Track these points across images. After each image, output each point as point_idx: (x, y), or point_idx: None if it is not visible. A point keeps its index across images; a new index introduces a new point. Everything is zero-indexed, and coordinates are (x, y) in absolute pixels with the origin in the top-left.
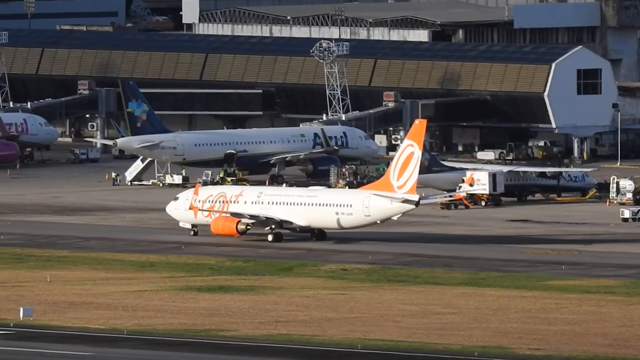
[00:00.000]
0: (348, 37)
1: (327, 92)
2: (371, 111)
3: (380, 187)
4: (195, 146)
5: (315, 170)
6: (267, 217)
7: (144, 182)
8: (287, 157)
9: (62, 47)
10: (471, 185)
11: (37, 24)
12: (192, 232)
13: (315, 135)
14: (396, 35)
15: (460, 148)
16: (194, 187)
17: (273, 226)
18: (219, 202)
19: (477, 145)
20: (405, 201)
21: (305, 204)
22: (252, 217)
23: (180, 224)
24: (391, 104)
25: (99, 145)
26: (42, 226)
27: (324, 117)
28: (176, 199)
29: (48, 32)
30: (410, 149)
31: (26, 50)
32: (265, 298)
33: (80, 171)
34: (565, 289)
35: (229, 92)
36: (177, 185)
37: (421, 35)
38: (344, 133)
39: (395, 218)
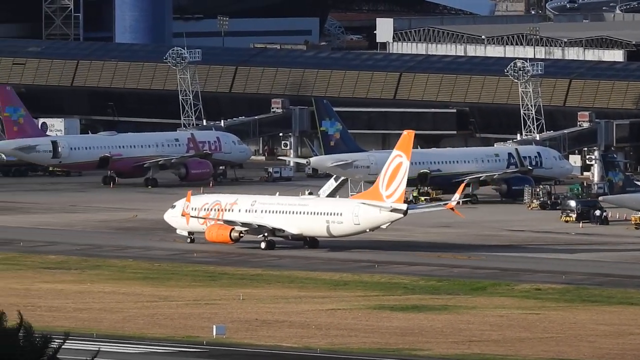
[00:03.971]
0: (543, 57)
1: (522, 111)
2: (565, 131)
3: (369, 196)
4: None
5: (509, 190)
6: (259, 225)
7: None
8: (481, 176)
9: (255, 65)
10: None
11: (231, 41)
12: (188, 240)
13: (510, 155)
14: (591, 55)
15: None
16: None
17: (266, 234)
18: (214, 210)
19: None
20: (394, 210)
21: (297, 213)
22: (244, 224)
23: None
24: (586, 124)
25: (292, 164)
26: (234, 244)
27: (518, 137)
28: (173, 206)
29: (241, 50)
30: (398, 159)
31: (219, 68)
32: (458, 317)
33: (274, 190)
34: None
35: (422, 112)
36: None
37: (616, 55)
38: (538, 153)
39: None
